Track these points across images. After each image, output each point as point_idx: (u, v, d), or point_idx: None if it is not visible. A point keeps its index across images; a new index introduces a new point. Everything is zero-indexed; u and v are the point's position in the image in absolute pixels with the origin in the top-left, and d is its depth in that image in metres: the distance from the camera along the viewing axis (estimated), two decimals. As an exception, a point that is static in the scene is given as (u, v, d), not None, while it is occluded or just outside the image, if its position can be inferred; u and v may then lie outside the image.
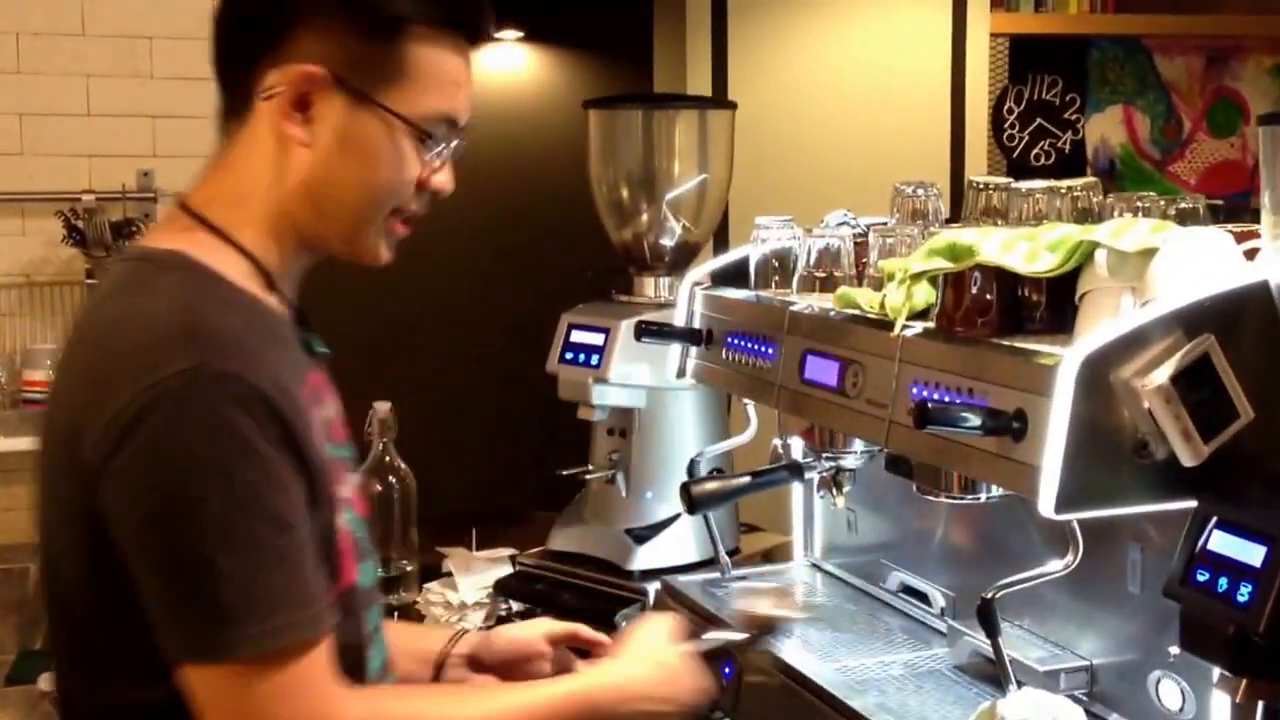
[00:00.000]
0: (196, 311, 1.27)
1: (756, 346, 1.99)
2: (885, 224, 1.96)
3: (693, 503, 2.05)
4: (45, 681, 2.20)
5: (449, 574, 2.55)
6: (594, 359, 2.34)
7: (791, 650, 1.92)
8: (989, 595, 1.60)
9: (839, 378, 1.79)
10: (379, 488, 2.54)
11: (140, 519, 1.23)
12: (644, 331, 2.20)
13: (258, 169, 1.37)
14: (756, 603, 1.88)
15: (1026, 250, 1.59)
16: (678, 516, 2.34)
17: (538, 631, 1.73)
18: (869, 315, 1.77)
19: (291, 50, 1.34)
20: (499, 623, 2.41)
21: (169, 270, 1.32)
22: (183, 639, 1.24)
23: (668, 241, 2.52)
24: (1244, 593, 1.33)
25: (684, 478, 2.13)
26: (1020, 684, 1.62)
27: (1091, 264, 1.54)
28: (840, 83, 4.45)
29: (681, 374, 2.21)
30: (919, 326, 1.69)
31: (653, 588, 2.25)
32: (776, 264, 2.06)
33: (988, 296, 1.62)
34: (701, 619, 1.92)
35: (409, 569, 2.56)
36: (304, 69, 1.33)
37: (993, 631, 1.61)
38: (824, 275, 1.93)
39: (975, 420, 1.47)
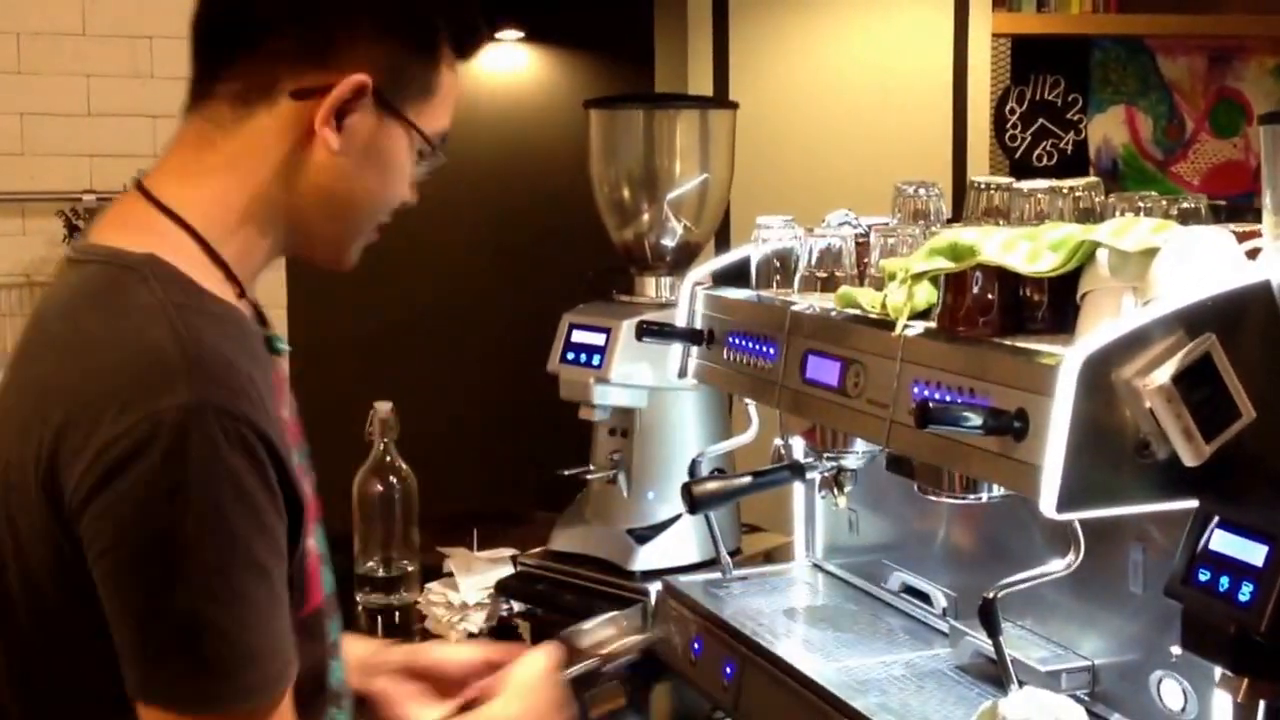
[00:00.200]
0: (192, 336, 1.21)
1: (758, 346, 1.99)
2: (887, 224, 1.96)
3: (694, 503, 2.05)
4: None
5: (450, 574, 2.55)
6: (595, 359, 2.34)
7: (793, 650, 1.92)
8: (991, 595, 1.60)
9: (840, 377, 1.78)
10: (380, 488, 2.54)
11: (126, 558, 1.18)
12: (645, 331, 2.20)
13: (262, 166, 1.32)
14: (597, 634, 1.98)
15: (1028, 250, 1.59)
16: (679, 517, 2.34)
17: (462, 655, 1.73)
18: (870, 315, 1.76)
19: (338, 56, 1.30)
20: (500, 622, 2.41)
21: (146, 280, 1.25)
22: (156, 683, 1.20)
23: (669, 241, 2.52)
24: (1245, 592, 1.33)
25: (685, 478, 2.13)
26: (1022, 684, 1.62)
27: (1093, 264, 1.54)
28: (842, 82, 4.46)
29: (683, 374, 2.21)
30: (920, 326, 1.68)
31: (654, 588, 2.25)
32: (778, 264, 2.05)
33: (989, 296, 1.62)
34: (572, 650, 1.97)
35: (410, 569, 2.56)
36: (358, 77, 1.30)
37: (994, 631, 1.61)
38: (825, 275, 1.93)
39: (976, 420, 1.47)
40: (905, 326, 1.68)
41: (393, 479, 2.54)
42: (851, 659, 1.89)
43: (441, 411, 4.64)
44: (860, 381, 1.74)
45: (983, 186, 1.92)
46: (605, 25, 4.94)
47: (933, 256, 1.65)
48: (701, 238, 2.58)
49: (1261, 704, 1.35)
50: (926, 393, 1.61)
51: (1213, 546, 1.38)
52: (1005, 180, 1.94)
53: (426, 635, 2.42)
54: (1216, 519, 1.38)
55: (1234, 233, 1.53)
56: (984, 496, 1.71)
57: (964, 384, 1.56)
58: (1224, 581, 1.35)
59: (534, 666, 1.64)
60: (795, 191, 4.17)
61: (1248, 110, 4.85)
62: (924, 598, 2.01)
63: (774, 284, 2.06)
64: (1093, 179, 1.88)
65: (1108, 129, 4.81)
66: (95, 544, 1.18)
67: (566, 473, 2.44)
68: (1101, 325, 1.45)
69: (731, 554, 2.30)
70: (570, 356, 2.37)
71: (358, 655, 1.62)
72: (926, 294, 1.69)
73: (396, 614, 2.52)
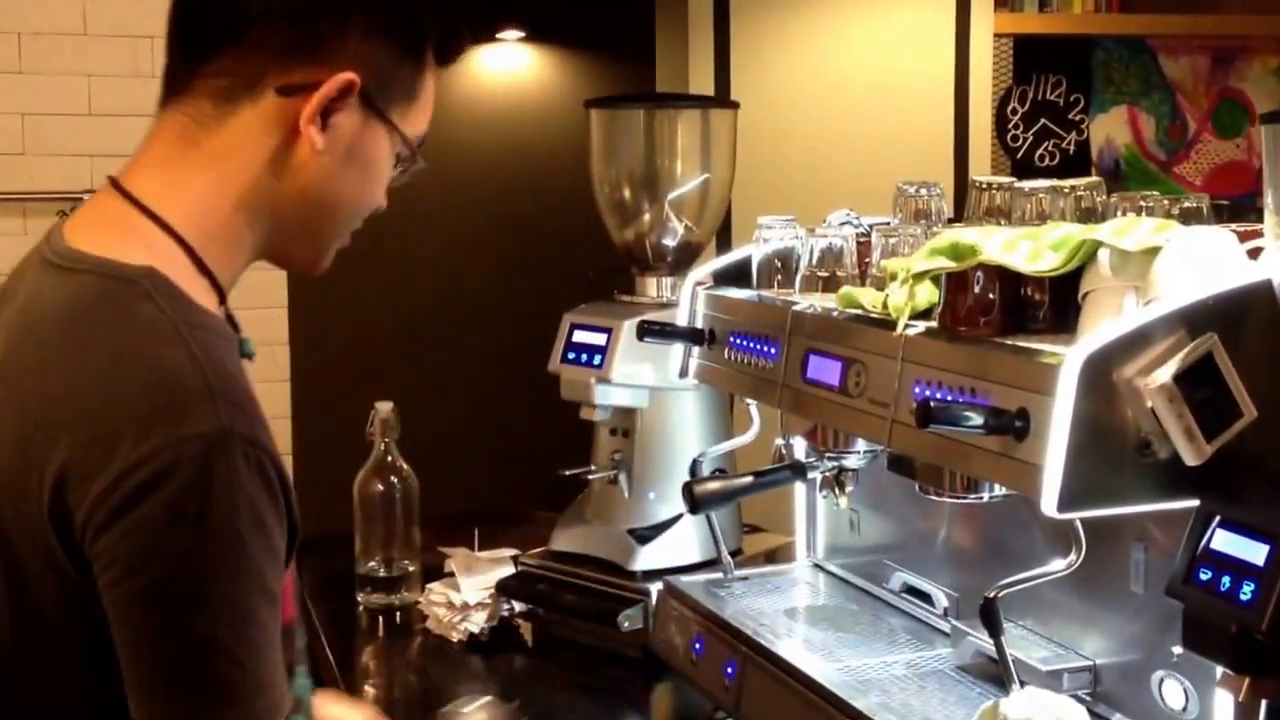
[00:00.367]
0: (209, 358, 1.19)
1: (759, 346, 1.99)
2: (888, 223, 1.96)
3: (695, 503, 2.05)
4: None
5: (451, 574, 2.55)
6: (596, 359, 2.34)
7: (794, 650, 1.92)
8: (992, 595, 1.60)
9: (841, 377, 1.78)
10: (381, 488, 2.54)
11: (143, 585, 1.15)
12: (646, 331, 2.20)
13: (245, 164, 1.28)
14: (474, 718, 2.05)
15: (1029, 249, 1.59)
16: (680, 517, 2.34)
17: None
18: (871, 315, 1.76)
19: (327, 53, 1.28)
20: (501, 623, 2.41)
21: (150, 295, 1.22)
22: (168, 711, 1.18)
23: (670, 241, 2.51)
24: (1247, 592, 1.32)
25: (686, 478, 2.13)
26: (1023, 684, 1.62)
27: (1094, 263, 1.54)
28: (843, 82, 4.46)
29: (684, 374, 2.21)
30: (921, 326, 1.68)
31: (655, 588, 2.25)
32: (779, 264, 2.05)
33: (990, 296, 1.62)
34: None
35: (411, 569, 2.56)
36: (347, 76, 1.27)
37: (996, 631, 1.61)
38: (826, 275, 1.93)
39: (978, 420, 1.47)
40: (906, 326, 1.68)
41: (394, 479, 2.54)
42: (853, 659, 1.89)
43: (443, 411, 4.64)
44: (861, 381, 1.74)
45: (984, 186, 1.92)
46: (606, 25, 4.94)
47: (934, 256, 1.65)
48: (703, 238, 2.58)
49: (1263, 703, 1.35)
50: (928, 392, 1.61)
51: (1214, 546, 1.37)
52: (1007, 180, 1.94)
53: (428, 635, 2.42)
54: (1218, 518, 1.38)
55: (1236, 232, 1.53)
56: (985, 496, 1.71)
57: (965, 383, 1.56)
58: (1225, 581, 1.35)
59: None
60: (796, 191, 4.18)
61: (1250, 110, 4.85)
62: (925, 598, 2.01)
63: (775, 284, 2.06)
64: (1094, 179, 1.88)
65: (1110, 129, 4.80)
66: (110, 570, 1.15)
67: (567, 473, 2.44)
68: (1103, 325, 1.45)
69: (733, 554, 2.30)
70: (571, 356, 2.37)
71: None
72: (928, 294, 1.69)
73: (397, 614, 2.52)
